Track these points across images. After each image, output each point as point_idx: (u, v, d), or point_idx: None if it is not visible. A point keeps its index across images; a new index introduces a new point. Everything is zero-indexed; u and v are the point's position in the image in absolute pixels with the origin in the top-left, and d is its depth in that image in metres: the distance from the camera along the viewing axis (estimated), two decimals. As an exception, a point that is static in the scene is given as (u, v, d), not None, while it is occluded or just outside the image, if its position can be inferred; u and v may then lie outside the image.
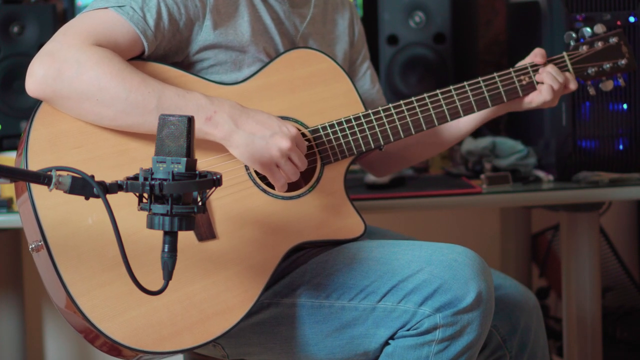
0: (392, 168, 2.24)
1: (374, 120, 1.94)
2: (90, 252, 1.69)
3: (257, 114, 1.79)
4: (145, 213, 1.48)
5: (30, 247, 1.72)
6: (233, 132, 1.76)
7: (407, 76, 2.83)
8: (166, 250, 1.49)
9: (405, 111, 1.96)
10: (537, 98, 2.04)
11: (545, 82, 2.03)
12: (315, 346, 1.84)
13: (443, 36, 2.83)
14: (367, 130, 1.93)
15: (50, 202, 1.67)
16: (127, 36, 1.78)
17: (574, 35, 2.10)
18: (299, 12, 2.03)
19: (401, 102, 1.96)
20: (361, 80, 2.18)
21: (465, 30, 3.01)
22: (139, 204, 1.49)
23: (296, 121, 1.90)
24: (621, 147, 2.58)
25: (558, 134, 2.57)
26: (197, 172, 1.49)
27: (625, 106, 2.58)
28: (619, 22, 2.54)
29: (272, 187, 1.85)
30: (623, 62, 2.10)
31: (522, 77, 2.04)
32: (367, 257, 1.84)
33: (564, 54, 2.08)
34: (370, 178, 2.49)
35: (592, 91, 2.11)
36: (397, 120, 1.95)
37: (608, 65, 2.09)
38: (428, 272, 1.77)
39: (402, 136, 1.95)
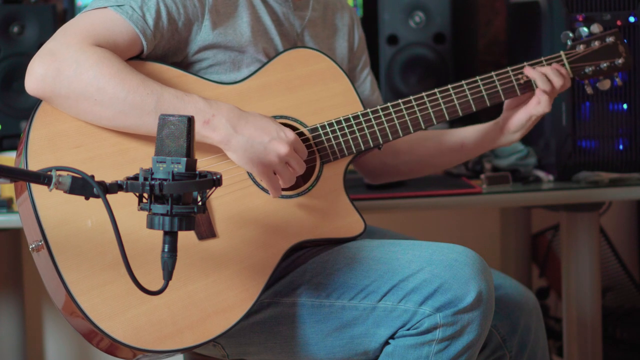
0: (385, 178, 2.25)
1: (372, 120, 1.94)
2: (91, 251, 1.69)
3: (256, 119, 1.78)
4: (145, 212, 1.48)
5: (31, 247, 1.72)
6: (231, 136, 1.75)
7: (407, 76, 2.83)
8: (166, 250, 1.49)
9: (404, 110, 1.96)
10: (535, 109, 2.03)
11: (541, 78, 2.01)
12: (316, 346, 1.84)
13: (443, 36, 2.83)
14: (366, 129, 1.93)
15: (51, 201, 1.67)
16: (126, 35, 1.78)
17: (570, 34, 2.10)
18: (299, 14, 2.03)
19: (399, 101, 1.96)
20: (361, 86, 2.17)
21: (465, 30, 3.01)
22: (139, 204, 1.49)
23: (295, 120, 1.90)
24: (621, 147, 2.58)
25: (558, 134, 2.57)
26: (197, 172, 1.49)
27: (625, 106, 2.58)
28: (619, 22, 2.54)
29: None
30: (620, 61, 2.10)
31: (519, 76, 2.04)
32: (367, 257, 1.84)
33: (561, 52, 2.08)
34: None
35: (589, 90, 2.11)
36: (395, 119, 1.95)
37: (605, 65, 2.09)
38: (428, 271, 1.77)
39: (401, 135, 1.95)
